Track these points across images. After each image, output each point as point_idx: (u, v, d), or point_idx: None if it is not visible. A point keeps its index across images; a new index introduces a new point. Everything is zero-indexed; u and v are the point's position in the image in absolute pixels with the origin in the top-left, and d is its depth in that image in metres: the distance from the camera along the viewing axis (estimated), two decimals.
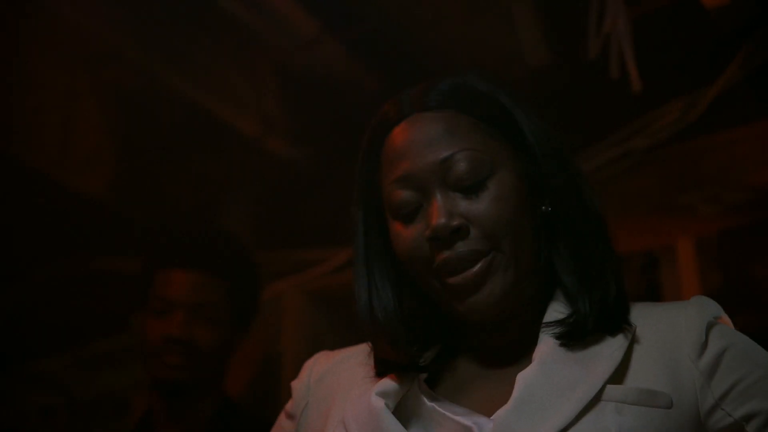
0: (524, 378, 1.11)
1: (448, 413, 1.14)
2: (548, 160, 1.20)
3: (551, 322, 1.16)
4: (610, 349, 1.13)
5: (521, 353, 1.19)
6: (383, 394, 1.17)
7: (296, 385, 1.32)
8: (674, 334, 1.14)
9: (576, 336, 1.15)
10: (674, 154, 2.40)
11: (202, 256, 2.14)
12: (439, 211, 1.15)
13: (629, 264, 2.49)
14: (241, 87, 2.64)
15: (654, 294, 2.41)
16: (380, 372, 1.22)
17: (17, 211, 2.45)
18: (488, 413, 1.12)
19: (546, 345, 1.15)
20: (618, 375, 1.11)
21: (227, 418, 2.13)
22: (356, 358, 1.28)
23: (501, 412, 1.09)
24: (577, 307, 1.16)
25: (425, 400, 1.17)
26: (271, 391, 2.63)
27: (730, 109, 2.30)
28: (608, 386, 1.10)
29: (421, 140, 1.19)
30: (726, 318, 1.18)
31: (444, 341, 1.26)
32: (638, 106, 2.36)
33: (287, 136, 2.71)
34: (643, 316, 1.18)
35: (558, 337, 1.15)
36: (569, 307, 1.17)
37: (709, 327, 1.14)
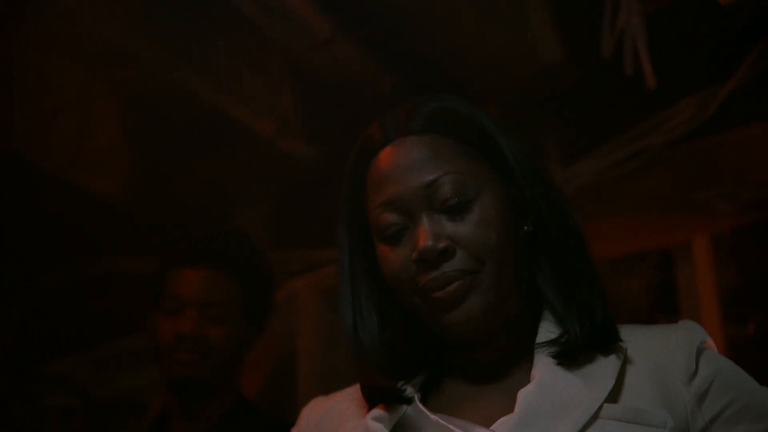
0: (526, 394, 1.14)
1: (452, 426, 1.16)
2: (529, 181, 1.24)
3: (544, 343, 1.20)
4: (605, 368, 1.17)
5: (511, 371, 1.22)
6: (378, 419, 1.21)
7: (295, 427, 1.35)
8: (665, 358, 1.18)
9: (569, 355, 1.18)
10: (689, 151, 2.38)
11: (214, 255, 2.14)
12: (426, 233, 1.18)
13: (644, 262, 2.48)
14: (255, 87, 2.64)
15: (669, 292, 2.40)
16: (367, 398, 1.26)
17: (31, 212, 2.46)
18: (487, 426, 1.15)
19: (543, 364, 1.18)
20: (613, 394, 1.15)
21: (242, 417, 2.14)
22: (351, 396, 1.31)
23: (504, 427, 1.12)
24: (566, 326, 1.20)
25: (429, 414, 1.19)
26: (286, 390, 2.63)
27: (745, 106, 2.29)
28: (605, 405, 1.13)
29: (406, 164, 1.21)
30: (711, 342, 1.22)
31: (430, 364, 1.29)
32: (652, 103, 2.35)
33: (301, 135, 2.71)
34: (633, 338, 1.21)
35: (553, 356, 1.18)
36: (559, 326, 1.21)
37: (699, 353, 1.18)
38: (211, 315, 2.11)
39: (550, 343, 1.20)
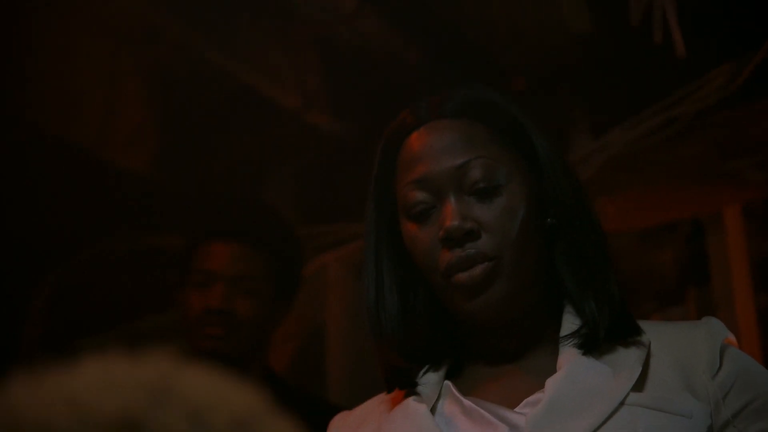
0: (554, 382, 1.17)
1: (484, 411, 1.18)
2: (557, 176, 1.26)
3: (568, 334, 1.22)
4: (630, 359, 1.19)
5: (535, 358, 1.24)
6: (420, 400, 1.23)
7: None
8: (689, 352, 1.20)
9: (592, 345, 1.20)
10: (720, 121, 2.36)
11: (244, 229, 2.15)
12: (453, 213, 1.20)
13: (675, 233, 2.47)
14: (282, 61, 2.64)
15: (700, 263, 2.39)
16: (389, 381, 1.28)
17: (62, 189, 2.48)
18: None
19: (569, 354, 1.20)
20: (639, 383, 1.17)
21: (271, 391, 2.14)
22: (375, 402, 1.33)
23: (533, 413, 1.14)
24: (587, 317, 1.21)
25: (462, 398, 1.21)
26: (315, 365, 2.64)
27: None
28: (632, 393, 1.15)
29: (438, 145, 1.24)
30: (732, 338, 1.24)
31: (455, 350, 1.30)
32: (683, 72, 2.32)
33: (328, 109, 2.70)
34: (656, 332, 1.23)
35: (578, 346, 1.20)
36: (579, 317, 1.23)
37: (722, 350, 1.20)
38: (240, 289, 2.11)
39: (574, 334, 1.21)
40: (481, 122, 1.25)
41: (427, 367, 1.27)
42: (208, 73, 2.51)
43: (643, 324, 1.24)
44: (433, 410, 1.23)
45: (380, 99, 2.55)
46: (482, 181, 1.21)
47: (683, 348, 1.20)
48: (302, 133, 2.71)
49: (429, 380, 1.26)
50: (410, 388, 1.27)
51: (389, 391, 1.29)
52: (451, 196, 1.21)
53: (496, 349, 1.26)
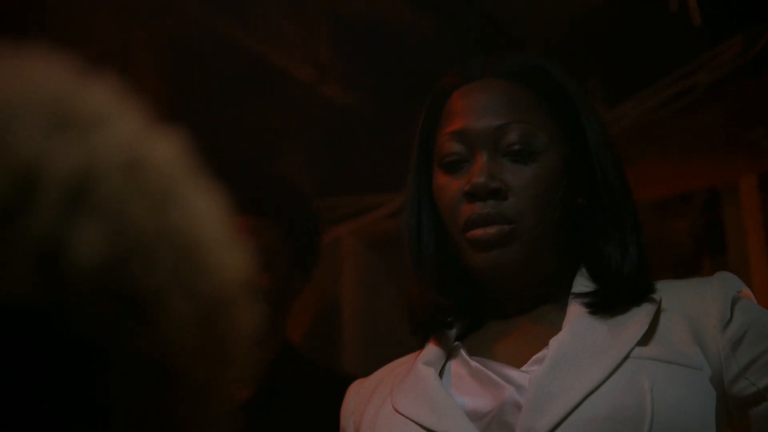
0: (557, 341, 1.17)
1: (489, 371, 1.19)
2: (600, 157, 1.26)
3: (579, 294, 1.22)
4: (638, 316, 1.18)
5: (547, 322, 1.24)
6: (428, 363, 1.24)
7: (342, 409, 1.37)
8: (700, 306, 1.19)
9: (602, 305, 1.20)
10: (736, 90, 2.35)
11: (259, 202, 2.15)
12: (482, 170, 1.21)
13: (691, 203, 2.46)
14: (295, 34, 2.63)
15: (716, 233, 2.38)
16: (415, 324, 1.29)
17: None
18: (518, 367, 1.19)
19: (575, 314, 1.20)
20: (646, 338, 1.17)
21: (289, 364, 2.15)
22: (390, 367, 1.34)
23: (536, 373, 1.15)
24: (606, 280, 1.22)
25: (469, 360, 1.22)
26: (330, 336, 2.65)
27: None
28: (637, 347, 1.15)
29: (482, 102, 1.25)
30: (748, 291, 1.23)
31: (472, 308, 1.31)
32: (698, 41, 2.31)
33: (341, 82, 2.70)
34: (667, 289, 1.23)
35: (586, 306, 1.21)
36: (594, 282, 1.23)
37: (734, 302, 1.18)
38: (258, 262, 2.11)
39: (585, 295, 1.22)
40: (531, 88, 1.27)
41: (451, 318, 1.29)
42: (221, 46, 2.51)
43: (656, 282, 1.25)
44: (443, 371, 1.24)
45: (394, 71, 2.54)
46: (517, 144, 1.22)
47: (694, 302, 1.20)
48: (316, 105, 2.70)
49: (439, 341, 1.27)
50: (428, 342, 1.28)
51: (414, 333, 1.30)
52: (485, 153, 1.23)
53: (507, 309, 1.27)
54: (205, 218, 0.55)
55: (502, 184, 1.21)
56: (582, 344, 1.17)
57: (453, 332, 1.29)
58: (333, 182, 2.77)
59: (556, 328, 1.21)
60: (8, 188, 0.46)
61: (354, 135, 2.74)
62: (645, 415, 1.10)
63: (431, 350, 1.26)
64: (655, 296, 1.21)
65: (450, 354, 1.26)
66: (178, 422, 0.50)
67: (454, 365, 1.24)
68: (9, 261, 0.45)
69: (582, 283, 1.24)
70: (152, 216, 0.50)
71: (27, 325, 0.45)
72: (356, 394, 1.34)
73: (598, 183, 1.25)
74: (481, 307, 1.31)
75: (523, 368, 1.18)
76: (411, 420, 1.19)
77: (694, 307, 1.20)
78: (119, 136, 0.51)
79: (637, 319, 1.18)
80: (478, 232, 1.20)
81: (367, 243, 2.72)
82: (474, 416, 1.17)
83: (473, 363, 1.21)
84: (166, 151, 0.54)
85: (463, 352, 1.24)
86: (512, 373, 1.18)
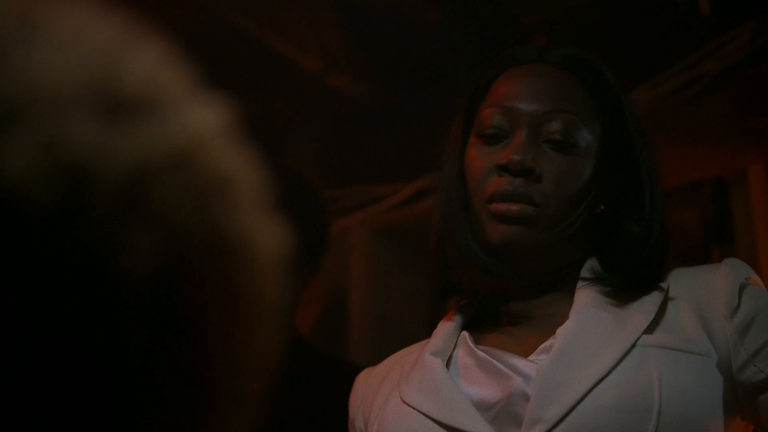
0: (564, 330, 1.17)
1: (496, 361, 1.19)
2: (646, 168, 1.26)
3: (586, 282, 1.22)
4: (645, 304, 1.18)
5: (556, 310, 1.24)
6: (436, 353, 1.24)
7: (350, 398, 1.37)
8: (707, 293, 1.18)
9: (611, 295, 1.20)
10: (744, 79, 2.34)
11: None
12: (521, 148, 1.21)
13: (699, 192, 2.45)
14: (303, 23, 2.62)
15: (724, 222, 2.37)
16: (437, 284, 1.29)
17: None
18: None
19: (582, 302, 1.20)
20: (653, 326, 1.16)
21: (297, 355, 2.16)
22: (398, 356, 1.34)
23: (543, 363, 1.15)
24: (613, 271, 1.22)
25: (476, 350, 1.22)
26: (338, 326, 2.66)
27: None
28: (645, 335, 1.15)
29: (535, 86, 1.26)
30: (756, 278, 1.22)
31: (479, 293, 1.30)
32: (707, 30, 2.30)
33: (349, 71, 2.69)
34: (675, 276, 1.23)
35: (594, 293, 1.21)
36: (604, 269, 1.23)
37: (742, 288, 1.18)
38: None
39: (593, 282, 1.22)
40: (582, 82, 1.27)
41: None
42: (229, 35, 2.51)
43: (664, 270, 1.25)
44: (450, 361, 1.24)
45: (402, 60, 2.54)
46: (560, 134, 1.22)
47: (702, 289, 1.20)
48: (323, 95, 2.70)
49: (446, 330, 1.27)
50: (448, 319, 1.29)
51: (443, 298, 1.32)
52: (526, 134, 1.22)
53: (513, 296, 1.27)
54: (249, 205, 0.51)
55: (536, 167, 1.21)
56: (589, 333, 1.16)
57: (460, 320, 1.29)
58: (341, 173, 2.77)
59: (563, 317, 1.21)
60: (58, 191, 0.41)
61: (362, 125, 2.74)
62: (653, 404, 1.10)
63: (438, 340, 1.26)
64: (663, 284, 1.21)
65: (457, 343, 1.26)
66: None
67: (461, 355, 1.24)
68: (54, 274, 0.41)
69: (590, 272, 1.24)
70: (200, 217, 0.46)
71: (76, 340, 0.42)
72: (364, 383, 1.35)
73: (633, 191, 1.25)
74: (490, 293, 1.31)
75: (530, 358, 1.19)
76: (419, 411, 1.19)
77: (701, 294, 1.19)
78: (170, 121, 0.46)
79: (645, 307, 1.18)
80: (502, 206, 1.20)
81: (375, 233, 2.73)
82: (481, 407, 1.17)
83: (480, 353, 1.21)
84: (212, 127, 0.49)
85: (469, 342, 1.24)
86: (519, 362, 1.18)
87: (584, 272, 1.24)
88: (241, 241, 0.48)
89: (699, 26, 2.26)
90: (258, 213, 0.52)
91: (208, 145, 0.48)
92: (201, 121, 0.49)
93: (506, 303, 1.28)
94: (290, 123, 2.80)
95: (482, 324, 1.30)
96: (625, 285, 1.21)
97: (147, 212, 0.43)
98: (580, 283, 1.23)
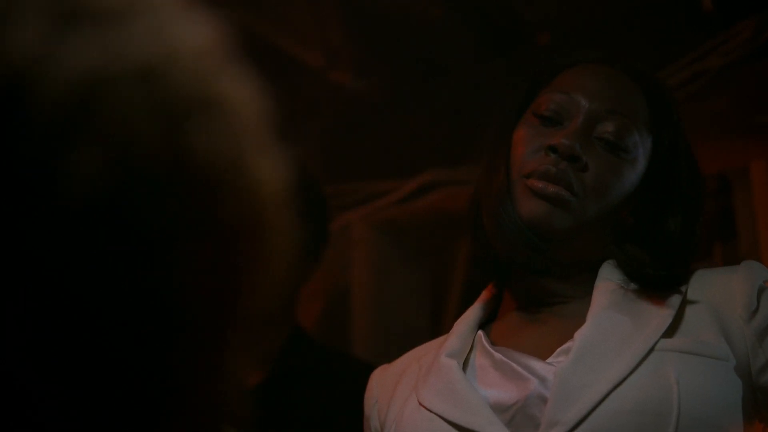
0: (582, 333, 1.17)
1: (513, 363, 1.19)
2: (692, 185, 1.28)
3: (605, 283, 1.22)
4: (663, 307, 1.18)
5: (569, 314, 1.24)
6: (451, 355, 1.24)
7: (366, 396, 1.37)
8: (725, 296, 1.18)
9: (629, 298, 1.20)
10: (747, 74, 2.33)
11: None
12: (576, 135, 1.21)
13: None
14: (305, 19, 2.62)
15: (727, 218, 2.37)
16: (475, 261, 1.30)
17: None
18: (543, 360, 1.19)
19: (599, 304, 1.20)
20: (671, 330, 1.16)
21: (299, 348, 2.16)
22: (414, 354, 1.34)
23: (561, 366, 1.15)
24: (633, 276, 1.22)
25: (493, 352, 1.22)
26: (341, 321, 2.66)
27: None
28: (662, 339, 1.15)
29: (601, 84, 1.27)
30: None
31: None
32: (709, 26, 2.30)
33: (352, 67, 2.69)
34: (693, 278, 1.23)
35: (612, 296, 1.20)
36: (621, 271, 1.23)
37: (761, 291, 1.18)
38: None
39: (611, 284, 1.22)
40: (644, 92, 1.28)
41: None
42: (231, 30, 2.51)
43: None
44: (466, 363, 1.24)
45: (404, 56, 2.54)
46: (613, 135, 1.23)
47: (719, 291, 1.20)
48: (326, 91, 2.70)
49: (463, 329, 1.27)
50: (468, 312, 1.29)
51: (482, 278, 1.33)
52: (582, 125, 1.23)
53: (531, 293, 1.27)
54: (241, 132, 0.48)
55: (584, 157, 1.21)
56: (607, 336, 1.16)
57: (476, 318, 1.29)
58: (343, 168, 2.77)
59: (580, 319, 1.20)
60: None
61: (364, 121, 2.74)
62: (671, 408, 1.10)
63: (454, 339, 1.26)
64: (681, 286, 1.21)
65: (474, 343, 1.26)
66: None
67: (477, 357, 1.24)
68: None
69: (608, 273, 1.24)
70: (168, 139, 0.43)
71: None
72: (380, 381, 1.34)
73: (670, 216, 1.26)
74: (506, 287, 1.31)
75: (549, 360, 1.18)
76: (436, 414, 1.19)
77: (719, 297, 1.19)
78: (140, 32, 0.43)
79: (662, 310, 1.18)
80: (540, 184, 1.20)
81: (377, 229, 2.73)
82: (498, 409, 1.17)
83: (497, 354, 1.21)
84: (192, 44, 0.46)
85: (485, 343, 1.23)
86: (537, 364, 1.18)
87: (602, 274, 1.24)
88: (229, 169, 0.46)
89: (702, 22, 2.25)
90: (252, 142, 0.49)
91: (184, 63, 0.45)
92: (178, 35, 0.46)
93: (521, 302, 1.28)
94: (292, 118, 2.80)
95: (498, 324, 1.29)
96: (645, 289, 1.22)
97: (98, 128, 0.40)
98: (597, 284, 1.23)
